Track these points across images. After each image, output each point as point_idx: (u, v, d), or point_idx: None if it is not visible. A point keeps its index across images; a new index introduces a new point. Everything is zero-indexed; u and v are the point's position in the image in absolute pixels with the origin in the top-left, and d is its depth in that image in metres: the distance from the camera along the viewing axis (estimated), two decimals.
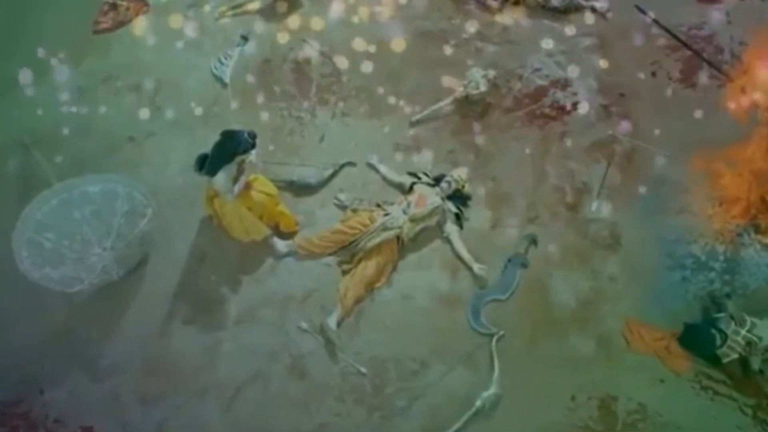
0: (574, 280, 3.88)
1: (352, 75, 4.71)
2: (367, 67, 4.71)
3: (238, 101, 4.61)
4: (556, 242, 4.02)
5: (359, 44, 4.81)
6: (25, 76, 4.53)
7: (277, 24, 4.96)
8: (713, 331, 3.55)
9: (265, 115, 4.53)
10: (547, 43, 4.80)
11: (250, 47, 4.86)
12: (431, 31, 4.92)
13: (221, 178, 3.63)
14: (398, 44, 4.81)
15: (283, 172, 4.24)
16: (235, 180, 3.69)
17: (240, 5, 5.05)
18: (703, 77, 4.62)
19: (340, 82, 4.68)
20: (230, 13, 5.04)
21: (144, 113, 4.53)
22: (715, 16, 4.87)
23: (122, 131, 4.48)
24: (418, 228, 3.99)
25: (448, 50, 4.82)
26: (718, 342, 3.52)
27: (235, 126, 3.89)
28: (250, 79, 4.72)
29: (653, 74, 4.67)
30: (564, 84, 4.63)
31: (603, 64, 4.71)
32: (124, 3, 4.98)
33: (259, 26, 4.97)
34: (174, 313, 3.80)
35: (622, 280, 3.88)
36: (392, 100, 4.59)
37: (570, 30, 4.89)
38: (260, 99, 4.62)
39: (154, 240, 3.94)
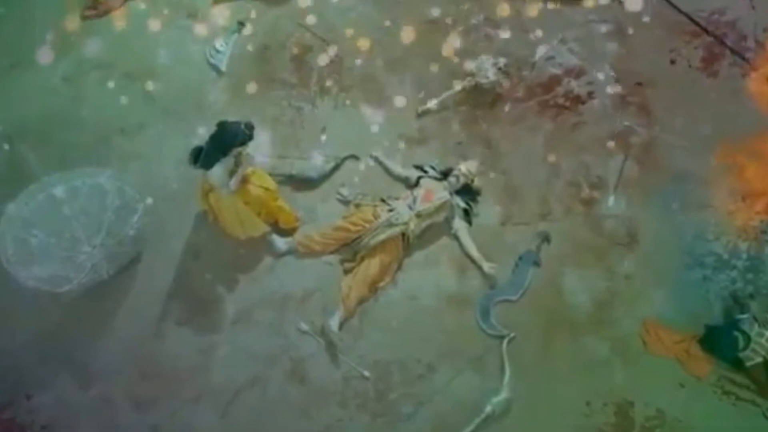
0: (588, 279, 3.80)
1: (355, 63, 4.55)
2: (370, 54, 4.55)
3: (234, 91, 4.46)
4: (570, 239, 3.91)
5: (363, 31, 4.64)
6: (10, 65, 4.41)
7: (275, 9, 4.80)
8: (736, 333, 3.47)
9: (263, 106, 4.39)
10: (561, 30, 4.63)
11: (247, 34, 4.69)
12: (439, 17, 4.75)
13: (217, 171, 3.53)
14: (404, 31, 4.63)
15: (282, 166, 4.11)
16: (232, 173, 3.59)
17: None
18: (725, 65, 4.47)
19: (342, 71, 4.54)
20: None
21: (135, 104, 4.39)
22: (738, 1, 4.70)
23: (112, 123, 4.34)
24: (424, 224, 3.88)
25: (456, 37, 4.65)
26: (741, 344, 3.44)
27: (232, 117, 3.75)
28: (247, 67, 4.57)
29: (672, 62, 4.52)
30: (578, 73, 4.48)
31: (619, 51, 4.55)
32: None
33: (257, 11, 4.79)
34: (167, 314, 3.72)
35: (639, 279, 3.79)
36: (397, 89, 4.45)
37: (584, 16, 4.71)
38: (258, 88, 4.46)
39: (147, 237, 3.84)
